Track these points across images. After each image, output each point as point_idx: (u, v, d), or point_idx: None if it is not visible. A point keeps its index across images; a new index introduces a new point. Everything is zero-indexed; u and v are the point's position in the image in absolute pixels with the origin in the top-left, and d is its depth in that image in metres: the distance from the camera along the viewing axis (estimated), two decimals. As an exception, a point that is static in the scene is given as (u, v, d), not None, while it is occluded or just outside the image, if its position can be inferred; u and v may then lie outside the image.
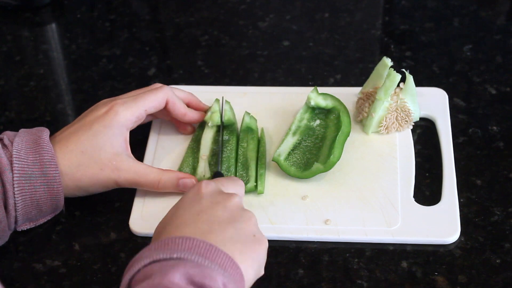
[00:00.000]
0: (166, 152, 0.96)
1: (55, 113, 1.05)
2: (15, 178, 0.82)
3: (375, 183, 0.90)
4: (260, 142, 0.95)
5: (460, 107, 1.01)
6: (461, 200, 0.88)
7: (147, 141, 0.98)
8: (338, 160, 0.90)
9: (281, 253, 0.85)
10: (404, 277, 0.82)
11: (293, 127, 0.95)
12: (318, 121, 0.96)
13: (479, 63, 1.07)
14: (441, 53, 1.09)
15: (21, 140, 0.85)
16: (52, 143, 0.86)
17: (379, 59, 0.97)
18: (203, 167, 0.92)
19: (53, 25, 1.20)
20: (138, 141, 0.97)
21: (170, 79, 1.09)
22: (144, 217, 0.88)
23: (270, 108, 1.00)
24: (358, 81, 1.04)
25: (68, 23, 1.20)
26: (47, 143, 0.85)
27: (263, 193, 0.90)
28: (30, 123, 1.03)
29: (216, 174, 0.89)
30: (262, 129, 0.96)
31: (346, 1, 1.20)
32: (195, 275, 0.66)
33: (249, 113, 0.97)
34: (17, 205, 0.83)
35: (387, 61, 0.95)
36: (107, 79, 1.09)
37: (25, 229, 0.87)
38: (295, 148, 0.94)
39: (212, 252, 0.69)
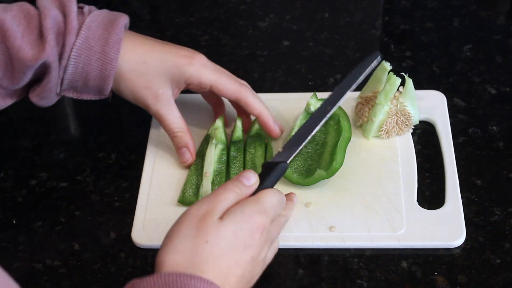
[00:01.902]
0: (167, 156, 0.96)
1: (55, 113, 1.05)
2: (76, 43, 0.85)
3: (378, 188, 0.90)
4: (267, 148, 0.95)
5: (460, 107, 1.01)
6: (461, 200, 0.88)
7: (146, 143, 0.98)
8: (340, 166, 0.90)
9: (281, 253, 0.85)
10: (404, 277, 0.82)
11: (294, 134, 0.95)
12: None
13: (479, 63, 1.07)
14: (441, 53, 1.09)
15: (98, 14, 0.87)
16: (127, 33, 0.88)
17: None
18: (205, 186, 0.89)
19: (53, 25, 1.20)
20: (138, 141, 0.98)
21: (170, 79, 1.09)
22: (146, 228, 0.88)
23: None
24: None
25: (68, 23, 1.20)
26: (121, 27, 0.87)
27: None
28: (30, 123, 1.03)
29: (266, 166, 0.82)
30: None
31: (346, 1, 1.20)
32: None
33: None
34: (68, 68, 0.85)
35: (386, 65, 0.95)
36: (107, 79, 1.09)
37: (68, 96, 0.89)
38: (296, 155, 0.94)
39: None
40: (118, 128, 1.02)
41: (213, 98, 0.97)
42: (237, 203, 0.74)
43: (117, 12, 0.89)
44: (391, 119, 0.94)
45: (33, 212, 0.91)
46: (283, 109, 0.99)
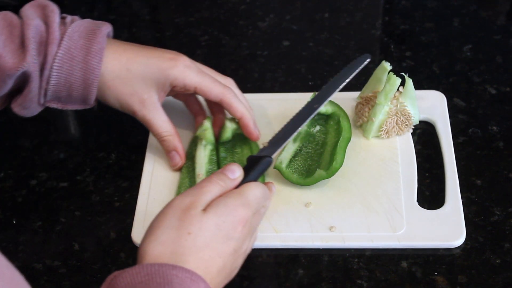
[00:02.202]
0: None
1: (55, 113, 1.05)
2: (58, 54, 0.85)
3: (378, 188, 0.90)
4: (252, 147, 0.94)
5: (460, 107, 1.01)
6: (461, 200, 0.88)
7: (146, 143, 0.98)
8: (340, 166, 0.90)
9: (281, 253, 0.85)
10: (404, 277, 0.82)
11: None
12: (318, 127, 0.96)
13: (479, 63, 1.07)
14: (441, 53, 1.09)
15: (81, 24, 0.88)
16: (110, 41, 0.89)
17: (379, 59, 0.97)
18: None
19: (53, 25, 1.20)
20: (138, 141, 0.98)
21: (170, 79, 1.09)
22: (146, 228, 0.87)
23: (269, 114, 1.00)
24: (358, 81, 1.04)
25: (68, 23, 1.20)
26: (103, 36, 0.87)
27: None
28: (30, 123, 1.03)
29: (250, 161, 0.83)
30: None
31: (346, 1, 1.20)
32: None
33: (233, 119, 0.95)
34: (51, 78, 0.85)
35: (386, 65, 0.95)
36: (107, 79, 1.09)
37: (53, 106, 0.89)
38: (296, 155, 0.94)
39: None
40: (118, 128, 1.02)
41: (195, 107, 0.98)
42: (221, 196, 0.74)
43: (100, 21, 0.89)
44: (391, 119, 0.94)
45: (33, 212, 0.91)
46: (283, 109, 0.99)
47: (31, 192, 0.94)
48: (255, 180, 0.80)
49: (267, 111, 1.00)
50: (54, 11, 0.87)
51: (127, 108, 0.90)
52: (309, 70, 1.08)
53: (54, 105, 0.89)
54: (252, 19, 1.18)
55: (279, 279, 0.83)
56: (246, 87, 1.06)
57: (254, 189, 0.76)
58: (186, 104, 0.98)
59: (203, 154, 0.92)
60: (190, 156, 0.94)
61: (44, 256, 0.86)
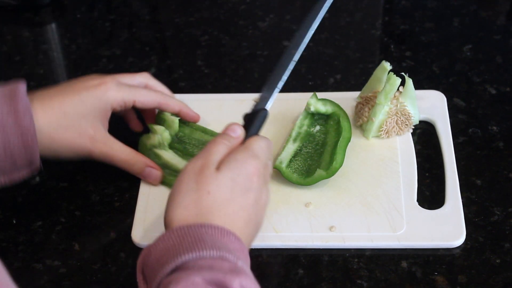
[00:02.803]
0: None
1: (55, 113, 1.05)
2: None
3: (378, 188, 0.90)
4: (192, 125, 0.96)
5: (460, 107, 1.01)
6: (461, 200, 0.88)
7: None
8: (340, 166, 0.90)
9: (281, 253, 0.85)
10: (404, 277, 0.82)
11: (293, 134, 0.95)
12: (318, 127, 0.96)
13: (479, 63, 1.07)
14: (441, 53, 1.09)
15: None
16: (32, 97, 0.85)
17: (379, 59, 0.97)
18: None
19: (53, 25, 1.20)
20: (138, 141, 0.98)
21: (170, 79, 1.09)
22: (146, 228, 0.87)
23: (269, 114, 1.00)
24: (358, 81, 1.04)
25: (68, 23, 1.20)
26: (23, 94, 0.83)
27: None
28: (30, 123, 1.03)
29: (247, 118, 0.83)
30: None
31: (346, 1, 1.20)
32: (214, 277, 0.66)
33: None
34: None
35: (386, 65, 0.95)
36: (107, 79, 1.09)
37: (0, 184, 0.85)
38: (296, 155, 0.94)
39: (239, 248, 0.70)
40: (118, 128, 1.01)
41: (133, 118, 0.97)
42: (229, 154, 0.76)
43: (11, 83, 0.85)
44: (391, 119, 0.94)
45: (33, 212, 0.91)
46: (283, 109, 0.99)
47: (31, 192, 0.94)
48: (257, 133, 0.81)
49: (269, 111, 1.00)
50: None
51: (81, 151, 0.88)
52: (309, 70, 1.08)
53: (1, 180, 0.85)
54: (252, 19, 1.18)
55: (279, 279, 0.83)
56: (246, 87, 1.07)
57: (259, 142, 0.78)
58: (126, 118, 0.97)
59: (172, 155, 0.92)
60: (163, 165, 0.93)
61: (44, 256, 0.86)
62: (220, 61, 1.12)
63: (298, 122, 0.96)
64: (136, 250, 0.86)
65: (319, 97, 0.96)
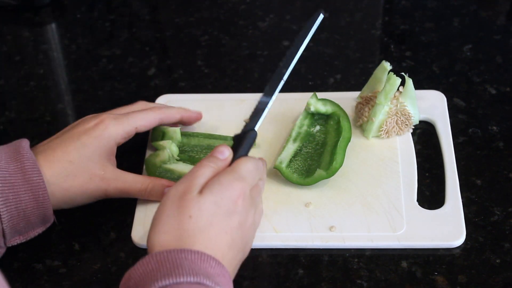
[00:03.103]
0: None
1: (55, 113, 1.05)
2: None
3: (378, 188, 0.90)
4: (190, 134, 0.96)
5: (460, 107, 1.01)
6: (461, 200, 0.88)
7: (146, 143, 0.98)
8: (340, 166, 0.90)
9: (281, 253, 0.85)
10: (404, 277, 0.82)
11: (293, 134, 0.95)
12: (318, 127, 0.96)
13: (479, 63, 1.07)
14: (441, 53, 1.09)
15: (0, 152, 0.83)
16: (35, 152, 0.84)
17: (379, 59, 0.97)
18: None
19: (53, 25, 1.20)
20: (138, 141, 0.98)
21: (170, 79, 1.09)
22: (146, 228, 0.87)
23: (269, 114, 0.99)
24: (358, 81, 1.04)
25: (68, 23, 1.20)
26: (27, 151, 0.82)
27: None
28: (30, 123, 1.03)
29: (236, 139, 0.82)
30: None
31: (346, 1, 1.20)
32: None
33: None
34: (2, 216, 0.80)
35: (386, 65, 0.95)
36: (107, 79, 1.09)
37: (16, 243, 0.83)
38: (296, 155, 0.94)
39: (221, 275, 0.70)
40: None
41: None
42: (214, 176, 0.75)
43: (13, 142, 0.85)
44: (391, 119, 0.94)
45: (33, 212, 0.91)
46: (283, 109, 0.99)
47: (31, 192, 0.94)
48: (245, 155, 0.80)
49: (269, 112, 1.00)
50: None
51: (95, 193, 0.87)
52: (309, 70, 1.08)
53: (16, 241, 0.83)
54: (252, 19, 1.18)
55: (279, 279, 0.83)
56: (246, 87, 1.07)
57: (245, 163, 0.77)
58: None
59: (183, 165, 0.91)
60: (178, 179, 0.91)
61: (44, 256, 0.86)
62: (220, 61, 1.12)
63: (298, 122, 0.96)
64: (136, 250, 0.86)
65: (319, 97, 0.96)
